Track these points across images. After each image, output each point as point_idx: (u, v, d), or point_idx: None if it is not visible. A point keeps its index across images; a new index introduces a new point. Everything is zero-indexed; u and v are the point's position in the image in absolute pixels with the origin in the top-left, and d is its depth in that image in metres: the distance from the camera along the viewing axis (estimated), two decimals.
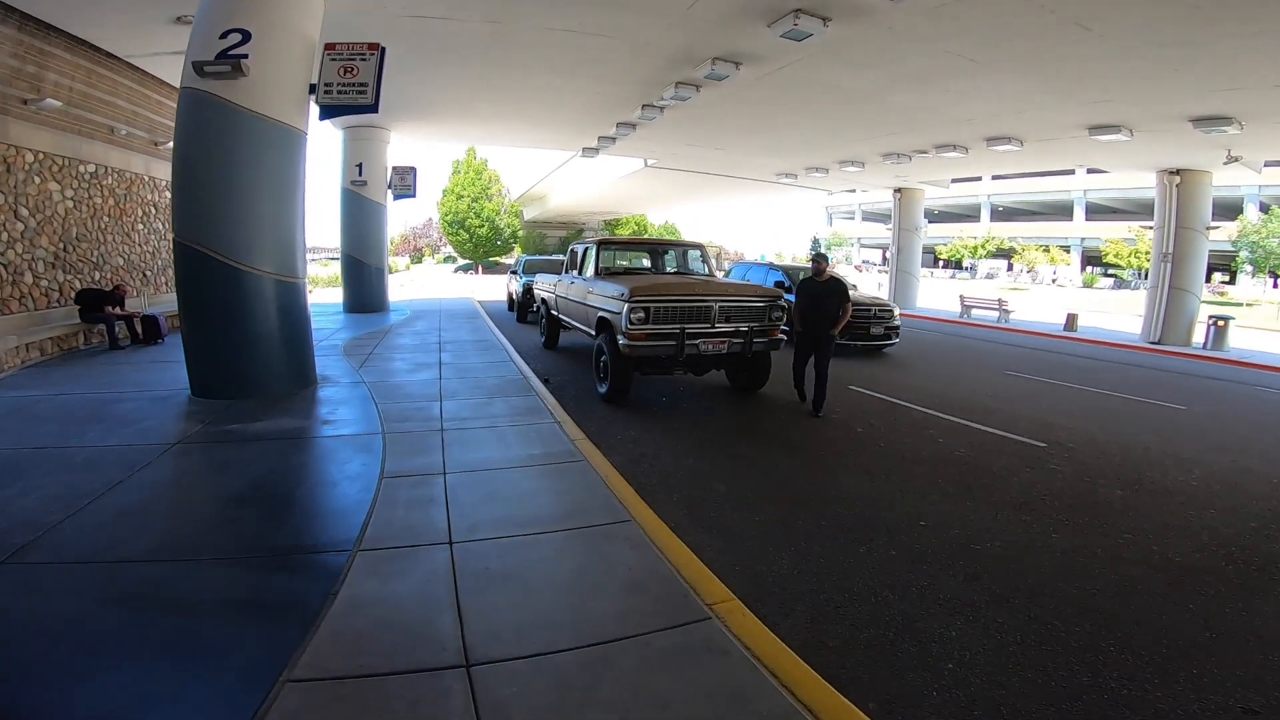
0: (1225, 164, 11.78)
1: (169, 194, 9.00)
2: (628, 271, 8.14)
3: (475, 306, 16.94)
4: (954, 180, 19.41)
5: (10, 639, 2.31)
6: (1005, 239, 44.31)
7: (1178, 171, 13.84)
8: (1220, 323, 14.31)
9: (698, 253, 8.72)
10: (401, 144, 16.67)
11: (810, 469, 4.97)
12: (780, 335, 6.89)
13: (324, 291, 21.95)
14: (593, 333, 7.22)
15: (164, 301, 10.56)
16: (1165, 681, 2.51)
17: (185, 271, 5.71)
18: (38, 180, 8.12)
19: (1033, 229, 44.63)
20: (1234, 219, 30.27)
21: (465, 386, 6.65)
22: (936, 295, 26.71)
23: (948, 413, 6.91)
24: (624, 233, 48.81)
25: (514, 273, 16.74)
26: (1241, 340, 15.33)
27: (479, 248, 50.07)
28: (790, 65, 8.70)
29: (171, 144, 6.30)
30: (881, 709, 2.25)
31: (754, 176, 21.19)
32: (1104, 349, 14.49)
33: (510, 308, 16.49)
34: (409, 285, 28.78)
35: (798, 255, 60.63)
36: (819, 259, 6.98)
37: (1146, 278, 35.96)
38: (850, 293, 10.26)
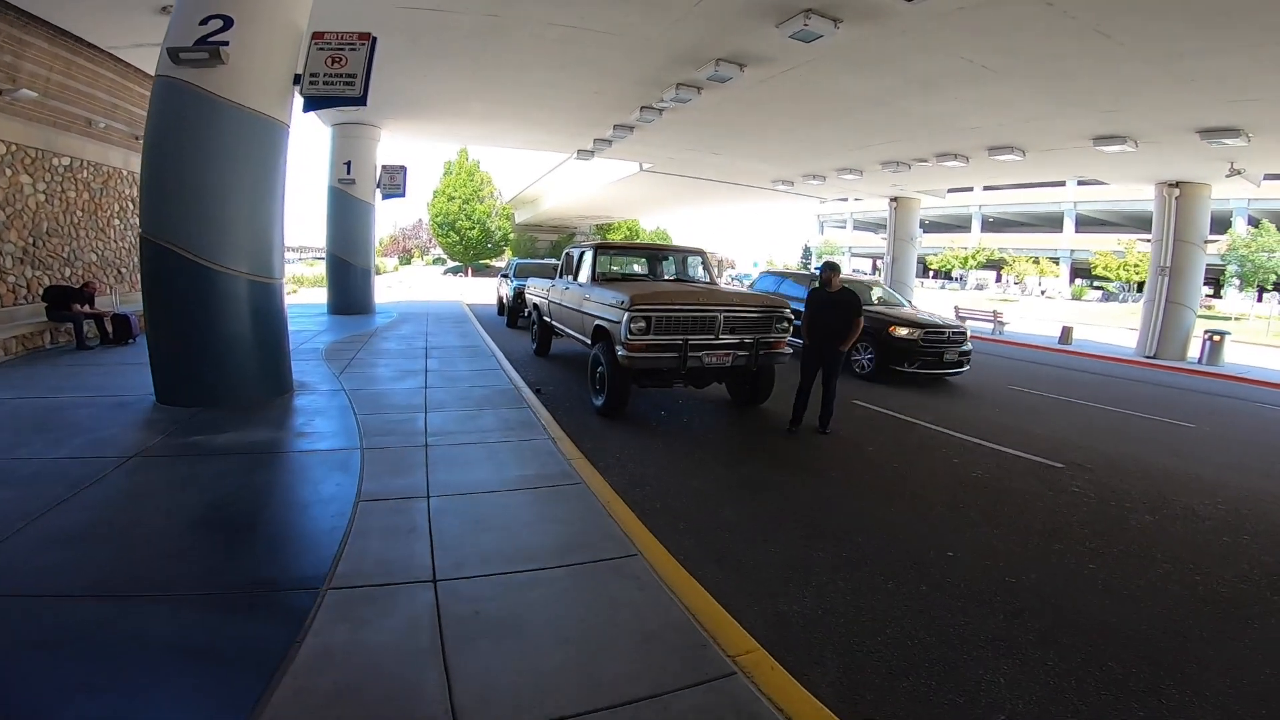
0: (1228, 176, 11.70)
1: None
2: (626, 278, 7.82)
3: (464, 310, 16.54)
4: (950, 190, 19.28)
5: None
6: (996, 250, 44.55)
7: (1177, 184, 13.77)
8: (1216, 338, 14.24)
9: (698, 259, 8.40)
10: (392, 143, 16.27)
11: (823, 492, 4.65)
12: (787, 348, 6.54)
13: (309, 292, 21.49)
14: (588, 341, 6.86)
15: (137, 300, 10.07)
16: None
17: (152, 270, 5.31)
18: (9, 172, 7.77)
19: (1023, 240, 44.91)
20: (1223, 233, 30.54)
21: (452, 397, 6.27)
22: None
23: (956, 430, 6.63)
24: (616, 237, 48.59)
25: (505, 276, 16.36)
26: (1235, 355, 15.30)
27: (469, 250, 49.64)
28: (796, 68, 8.46)
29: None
30: None
31: (750, 183, 20.99)
32: (1101, 363, 14.38)
33: (500, 312, 16.13)
34: (397, 287, 28.27)
35: (789, 264, 60.74)
36: (829, 268, 6.28)
37: (1135, 291, 36.60)
38: (906, 310, 9.60)
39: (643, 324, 5.80)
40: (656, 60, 8.64)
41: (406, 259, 63.05)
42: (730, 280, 27.73)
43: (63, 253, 8.92)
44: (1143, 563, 3.74)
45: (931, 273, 48.66)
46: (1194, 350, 14.63)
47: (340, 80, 5.87)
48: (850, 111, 10.68)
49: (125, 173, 10.23)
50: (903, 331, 9.26)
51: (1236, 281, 31.91)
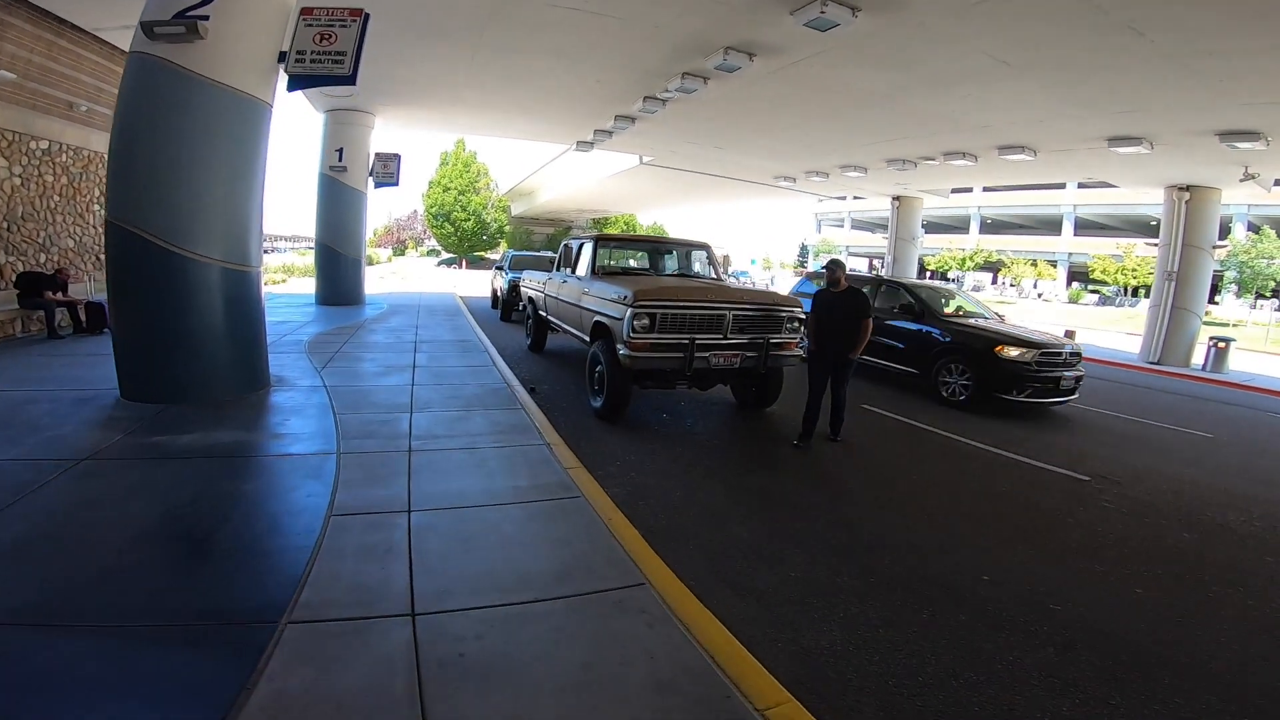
0: (1241, 181, 11.43)
1: None
2: (628, 272, 7.44)
3: (457, 302, 16.14)
4: (953, 190, 18.98)
5: None
6: (994, 252, 44.37)
7: (1188, 188, 13.49)
8: (1221, 344, 14.02)
9: (703, 253, 8.02)
10: (387, 131, 15.85)
11: (840, 507, 4.31)
12: (799, 350, 6.12)
13: (299, 282, 21.01)
14: (587, 338, 6.49)
15: None
16: None
17: (117, 256, 4.93)
18: None
19: (1021, 242, 44.71)
20: (1224, 239, 30.40)
21: (441, 395, 5.89)
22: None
23: (973, 438, 6.32)
24: (613, 231, 48.16)
25: (500, 268, 15.94)
26: (1238, 362, 15.09)
27: (464, 242, 49.10)
28: (807, 59, 8.09)
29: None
30: None
31: (752, 179, 20.61)
32: (1106, 368, 14.12)
33: (494, 305, 15.72)
34: (389, 278, 27.78)
35: (785, 262, 60.37)
36: (834, 266, 5.86)
37: (1131, 295, 36.48)
38: (1009, 327, 8.46)
39: (647, 321, 5.44)
40: (663, 47, 8.26)
41: (401, 250, 62.37)
42: (732, 279, 27.30)
43: (38, 238, 8.52)
44: (1191, 586, 3.49)
45: (929, 273, 48.43)
46: (1198, 357, 14.42)
47: (329, 58, 5.53)
48: (859, 106, 10.32)
49: (107, 158, 9.83)
50: (1014, 353, 7.51)
51: (1234, 288, 31.81)
